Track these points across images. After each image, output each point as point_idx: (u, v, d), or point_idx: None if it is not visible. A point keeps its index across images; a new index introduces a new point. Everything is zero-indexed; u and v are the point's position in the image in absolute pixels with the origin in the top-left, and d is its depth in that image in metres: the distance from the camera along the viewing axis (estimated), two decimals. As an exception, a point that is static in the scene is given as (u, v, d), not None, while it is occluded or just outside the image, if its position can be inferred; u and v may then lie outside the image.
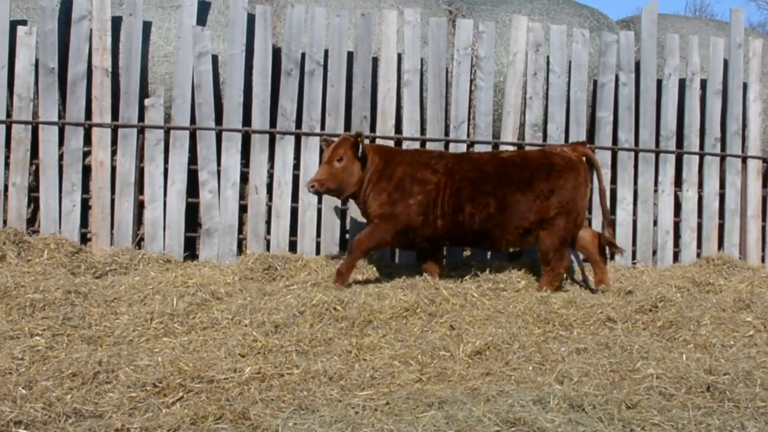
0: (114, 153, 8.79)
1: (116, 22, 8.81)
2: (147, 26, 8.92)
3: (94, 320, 6.56)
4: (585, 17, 10.05)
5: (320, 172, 8.00)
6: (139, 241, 8.81)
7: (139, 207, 8.83)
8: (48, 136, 8.72)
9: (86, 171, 8.83)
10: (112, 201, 8.76)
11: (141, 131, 8.76)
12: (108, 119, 8.74)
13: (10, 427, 4.64)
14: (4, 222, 8.72)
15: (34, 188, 8.85)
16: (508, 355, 6.07)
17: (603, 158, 9.28)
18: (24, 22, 8.97)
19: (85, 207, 8.86)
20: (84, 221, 8.83)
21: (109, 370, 5.43)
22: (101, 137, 8.73)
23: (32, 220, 8.92)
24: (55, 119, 8.73)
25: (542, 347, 6.26)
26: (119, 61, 8.83)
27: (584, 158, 8.17)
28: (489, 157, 8.24)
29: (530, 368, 5.87)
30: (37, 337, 6.13)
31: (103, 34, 8.72)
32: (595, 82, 9.56)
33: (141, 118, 8.78)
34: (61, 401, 5.00)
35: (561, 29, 9.36)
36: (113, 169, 8.77)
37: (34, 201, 8.90)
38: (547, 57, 9.35)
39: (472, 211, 7.88)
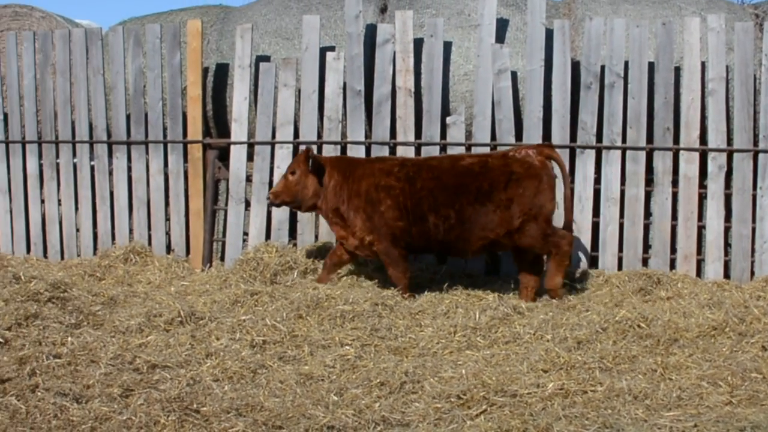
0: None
1: (417, 43, 9.07)
2: (447, 46, 9.11)
3: (400, 332, 6.77)
4: None
5: (276, 185, 8.34)
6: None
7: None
8: (355, 155, 9.11)
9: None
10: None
11: (443, 149, 8.95)
12: (411, 138, 9.01)
13: (324, 431, 4.88)
14: (316, 236, 9.21)
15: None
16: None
17: None
18: (332, 48, 9.45)
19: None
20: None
21: (414, 381, 5.58)
22: (405, 155, 9.01)
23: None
24: (362, 139, 9.13)
25: None
26: (421, 81, 9.08)
27: (550, 160, 7.83)
28: (448, 165, 7.94)
29: None
30: (347, 347, 6.41)
31: (405, 56, 9.01)
32: None
33: (443, 135, 8.97)
34: (370, 409, 5.19)
35: None
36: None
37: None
38: None
39: (436, 221, 7.75)
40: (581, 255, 8.72)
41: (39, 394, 5.51)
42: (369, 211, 7.89)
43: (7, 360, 6.22)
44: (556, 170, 7.99)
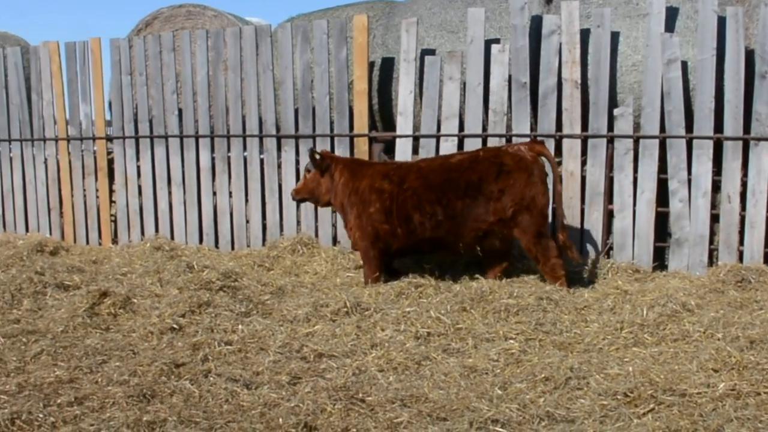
0: (583, 163, 8.93)
1: (584, 34, 8.95)
2: (614, 36, 8.95)
3: (565, 327, 6.72)
4: None
5: (298, 183, 9.12)
6: (608, 250, 8.86)
7: (608, 216, 8.87)
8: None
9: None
10: (582, 210, 8.91)
11: (610, 141, 8.80)
12: (578, 130, 8.90)
13: (488, 424, 4.91)
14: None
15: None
16: None
17: None
18: (497, 41, 9.43)
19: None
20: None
21: (580, 377, 5.52)
22: (571, 148, 8.92)
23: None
24: (527, 131, 9.08)
25: None
26: (588, 73, 8.95)
27: (541, 157, 7.97)
28: (437, 164, 8.27)
29: None
30: (511, 341, 6.41)
31: (572, 47, 8.90)
32: None
33: (610, 128, 8.83)
34: (535, 404, 5.18)
35: None
36: (583, 179, 8.92)
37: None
38: None
39: (421, 219, 8.05)
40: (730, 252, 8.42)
41: (211, 379, 5.78)
42: (360, 210, 8.38)
43: (182, 345, 6.54)
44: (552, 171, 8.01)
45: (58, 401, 5.42)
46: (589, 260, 8.61)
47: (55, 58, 11.84)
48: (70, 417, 5.17)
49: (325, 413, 5.13)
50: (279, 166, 10.35)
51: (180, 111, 11.04)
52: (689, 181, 8.57)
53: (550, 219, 8.43)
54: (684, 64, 8.69)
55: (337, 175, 8.62)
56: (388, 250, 8.38)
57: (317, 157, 8.74)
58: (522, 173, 7.87)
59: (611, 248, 8.87)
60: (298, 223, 10.24)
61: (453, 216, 8.01)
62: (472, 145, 9.23)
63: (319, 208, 9.82)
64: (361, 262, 8.58)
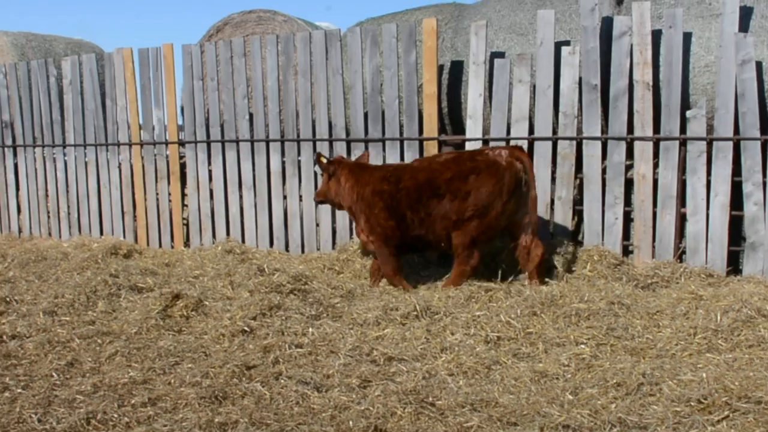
0: (655, 166, 8.82)
1: (655, 35, 8.83)
2: (687, 37, 8.81)
3: (637, 332, 6.64)
4: None
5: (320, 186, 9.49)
6: (680, 255, 8.73)
7: (681, 220, 8.74)
8: (591, 151, 9.01)
9: (628, 184, 8.96)
10: (654, 214, 8.79)
11: (683, 143, 8.67)
12: (649, 132, 8.78)
13: (559, 430, 4.88)
14: (551, 235, 9.17)
15: (578, 201, 9.21)
16: None
17: None
18: (567, 43, 9.36)
19: (627, 220, 8.99)
20: (626, 234, 8.98)
21: (652, 383, 5.45)
22: (643, 150, 8.80)
23: (576, 232, 9.28)
24: (598, 134, 8.99)
25: None
26: (660, 74, 8.83)
27: (517, 162, 8.14)
28: (426, 164, 8.66)
29: None
30: (582, 346, 6.36)
31: (643, 48, 8.79)
32: None
33: (682, 130, 8.70)
34: (606, 409, 5.13)
35: None
36: (655, 182, 8.80)
37: (578, 214, 9.25)
38: None
39: (412, 217, 8.43)
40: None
41: (282, 381, 5.85)
42: (368, 213, 8.70)
43: (253, 348, 6.63)
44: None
45: (132, 402, 5.54)
46: (661, 265, 8.47)
47: (129, 65, 12.07)
48: (144, 417, 5.28)
49: (395, 417, 5.16)
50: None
51: (251, 116, 11.16)
52: (764, 184, 8.40)
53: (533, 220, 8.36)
54: (759, 65, 8.52)
55: (343, 180, 8.95)
56: (397, 246, 8.69)
57: (324, 161, 9.08)
58: (491, 177, 8.17)
59: (684, 252, 8.73)
60: (367, 226, 10.27)
61: (430, 213, 8.40)
62: (542, 148, 9.18)
63: None
64: (383, 268, 8.80)
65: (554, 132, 9.26)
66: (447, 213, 8.30)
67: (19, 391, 5.88)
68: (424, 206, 8.39)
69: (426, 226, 8.45)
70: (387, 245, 8.64)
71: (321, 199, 9.37)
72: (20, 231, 13.67)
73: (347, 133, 10.48)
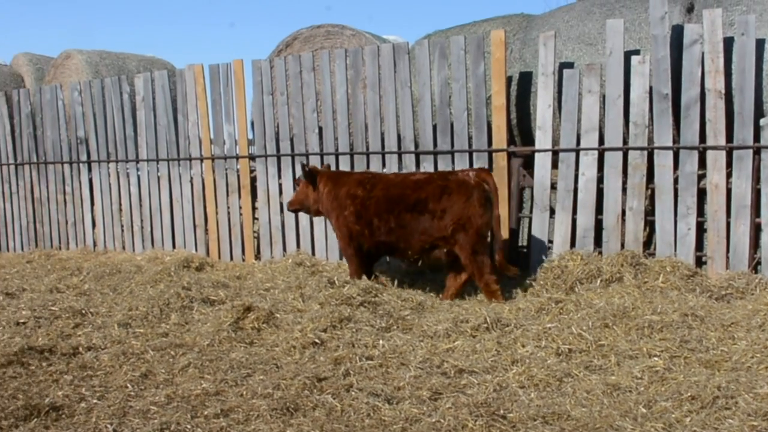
0: (729, 175, 8.67)
1: (727, 42, 8.70)
2: (759, 44, 8.66)
3: (711, 344, 6.52)
4: None
5: (292, 195, 10.27)
6: (755, 266, 8.56)
7: (756, 230, 8.58)
8: (663, 161, 8.90)
9: (700, 194, 8.83)
10: (728, 224, 8.64)
11: (756, 152, 8.52)
12: (722, 141, 8.64)
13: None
14: (622, 245, 9.07)
15: (649, 212, 9.09)
16: None
17: None
18: (637, 52, 9.27)
19: (699, 230, 8.85)
20: (699, 244, 8.84)
21: (728, 396, 5.35)
22: (716, 160, 8.67)
23: (648, 243, 9.16)
24: (670, 144, 8.88)
25: None
26: (732, 82, 8.69)
27: (484, 183, 8.57)
28: (400, 179, 9.11)
29: None
30: (655, 358, 6.26)
31: (715, 56, 8.66)
32: None
33: (756, 138, 8.54)
34: (681, 423, 5.05)
35: None
36: (728, 191, 8.66)
37: (649, 224, 9.14)
38: None
39: (378, 224, 8.93)
40: None
41: (353, 393, 5.87)
42: (338, 214, 9.31)
43: (324, 360, 6.66)
44: None
45: (205, 413, 5.60)
46: (735, 276, 8.32)
47: (200, 80, 12.27)
48: (217, 428, 5.34)
49: (467, 429, 5.14)
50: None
51: (320, 129, 11.25)
52: (843, 192, 8.23)
53: (498, 238, 8.72)
54: (835, 71, 8.37)
55: (322, 186, 9.55)
56: (362, 249, 9.21)
57: (307, 170, 9.60)
58: (462, 196, 8.59)
59: (759, 263, 8.56)
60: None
61: (402, 226, 8.87)
62: (613, 158, 9.10)
63: None
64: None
65: (625, 142, 9.17)
66: (426, 230, 8.75)
67: (94, 401, 5.99)
68: (396, 217, 8.87)
69: (397, 236, 8.92)
70: (350, 245, 9.25)
71: (296, 207, 9.99)
72: (95, 245, 13.96)
73: (416, 146, 10.51)
